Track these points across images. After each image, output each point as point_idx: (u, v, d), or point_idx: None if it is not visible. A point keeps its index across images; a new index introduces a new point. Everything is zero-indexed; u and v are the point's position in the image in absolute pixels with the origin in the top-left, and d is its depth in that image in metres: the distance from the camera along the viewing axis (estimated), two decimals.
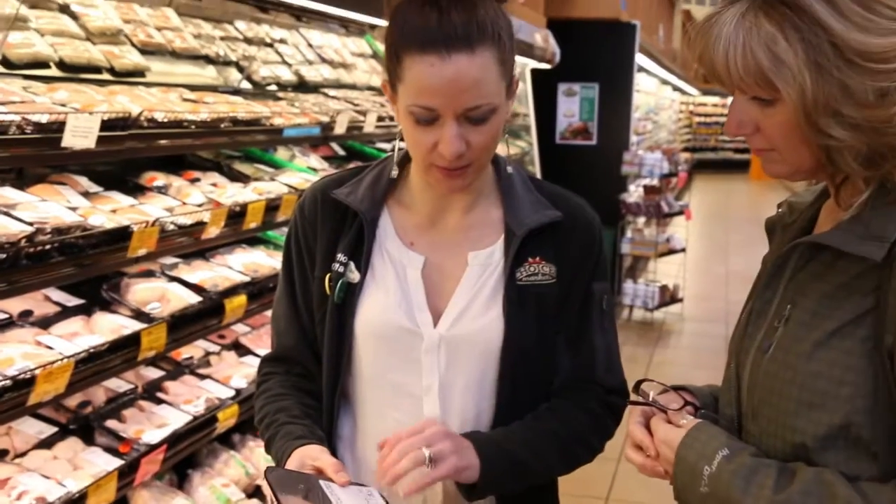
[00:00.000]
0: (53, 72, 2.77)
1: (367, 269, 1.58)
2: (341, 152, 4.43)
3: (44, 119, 2.22)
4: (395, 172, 1.61)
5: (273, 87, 3.98)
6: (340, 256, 1.59)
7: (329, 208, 1.62)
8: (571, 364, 1.61)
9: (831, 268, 1.23)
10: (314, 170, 3.75)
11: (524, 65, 7.15)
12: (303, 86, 4.20)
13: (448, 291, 1.57)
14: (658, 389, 1.43)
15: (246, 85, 3.79)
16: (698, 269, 10.63)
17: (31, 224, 2.17)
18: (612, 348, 1.65)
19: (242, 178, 3.37)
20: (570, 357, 1.61)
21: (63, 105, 2.41)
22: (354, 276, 1.57)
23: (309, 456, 1.48)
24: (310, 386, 1.67)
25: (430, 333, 1.55)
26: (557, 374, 1.62)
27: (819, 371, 1.19)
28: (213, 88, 3.51)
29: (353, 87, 4.63)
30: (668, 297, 8.44)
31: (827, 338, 1.20)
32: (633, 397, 1.43)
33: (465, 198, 1.59)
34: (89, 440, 2.49)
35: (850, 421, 1.17)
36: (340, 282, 1.57)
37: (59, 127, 2.25)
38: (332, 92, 4.32)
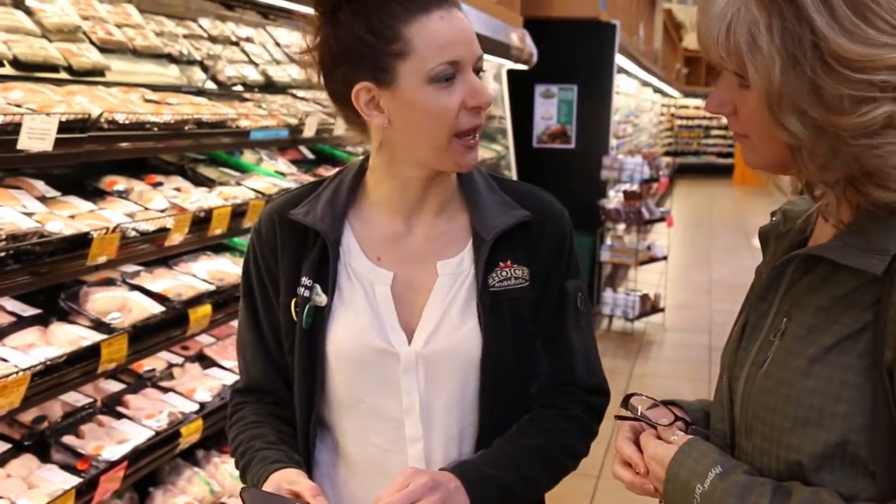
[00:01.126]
0: (7, 70, 2.76)
1: (334, 290, 1.57)
2: (310, 156, 4.44)
3: None
4: (342, 181, 1.63)
5: (239, 88, 3.98)
6: (305, 280, 1.57)
7: (288, 230, 1.60)
8: (551, 367, 1.62)
9: (828, 280, 1.23)
10: (282, 174, 3.76)
11: (500, 65, 7.17)
12: (270, 86, 4.20)
13: (419, 305, 1.57)
14: (647, 404, 1.42)
15: (210, 85, 3.79)
16: (680, 277, 10.69)
17: None
18: (590, 348, 1.66)
19: (207, 183, 3.37)
20: (549, 360, 1.62)
21: (18, 105, 2.41)
22: (321, 298, 1.56)
23: (286, 479, 1.48)
24: (284, 413, 1.66)
25: (407, 352, 1.55)
26: (537, 379, 1.62)
27: (815, 387, 1.19)
28: (176, 88, 3.51)
29: (322, 87, 4.62)
30: (649, 306, 8.48)
31: (824, 353, 1.19)
32: (621, 412, 1.42)
33: (436, 201, 1.60)
34: (45, 457, 2.48)
35: (847, 439, 1.17)
36: (308, 306, 1.56)
37: (14, 128, 2.25)
38: (300, 93, 4.33)
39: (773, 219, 1.48)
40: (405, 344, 1.55)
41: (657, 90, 20.16)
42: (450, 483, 1.46)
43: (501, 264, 1.56)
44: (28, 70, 2.82)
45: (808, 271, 1.27)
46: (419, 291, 1.58)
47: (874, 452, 1.17)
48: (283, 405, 1.66)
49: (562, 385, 1.62)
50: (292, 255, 1.60)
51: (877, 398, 1.16)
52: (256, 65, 4.20)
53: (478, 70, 1.49)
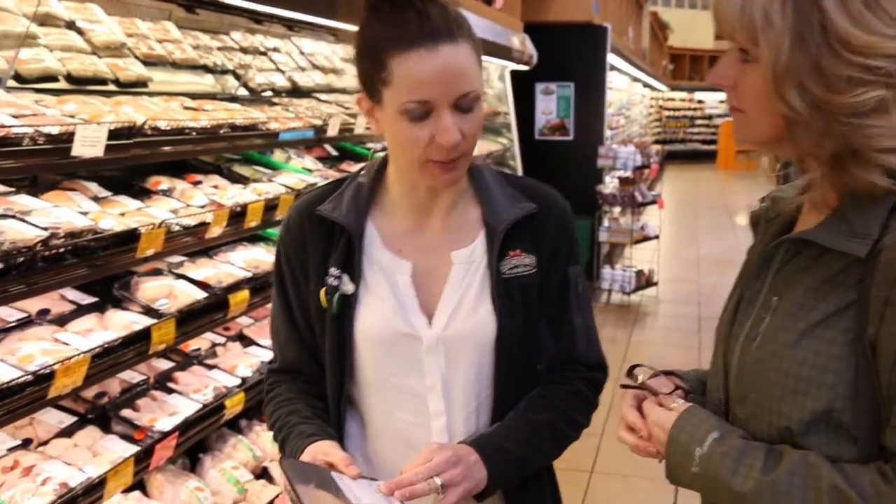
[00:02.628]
0: (62, 85, 2.77)
1: (360, 279, 1.57)
2: (334, 153, 4.44)
3: (55, 130, 2.22)
4: (363, 178, 1.61)
5: (268, 93, 3.98)
6: (333, 270, 1.57)
7: (315, 225, 1.60)
8: (555, 346, 1.62)
9: (816, 262, 1.23)
10: (309, 170, 3.76)
11: (503, 66, 7.16)
12: (296, 91, 4.20)
13: (437, 292, 1.57)
14: (649, 374, 1.43)
15: (243, 92, 3.80)
16: (671, 254, 10.66)
17: (45, 229, 2.17)
18: (589, 327, 1.67)
19: (242, 180, 3.38)
20: (553, 340, 1.62)
21: (72, 116, 2.42)
22: (349, 287, 1.56)
23: (321, 451, 1.48)
24: (315, 390, 1.67)
25: (429, 335, 1.55)
26: (543, 356, 1.62)
27: (804, 359, 1.19)
28: (211, 96, 3.52)
29: (343, 91, 4.63)
30: (644, 281, 8.47)
31: (811, 328, 1.20)
32: (625, 381, 1.43)
33: (447, 199, 1.59)
34: (106, 428, 2.51)
35: (833, 407, 1.17)
36: (336, 294, 1.56)
37: (69, 137, 2.26)
38: (323, 96, 4.33)
39: (763, 204, 1.47)
40: (426, 327, 1.55)
41: (646, 85, 20.03)
42: (470, 457, 1.46)
43: (511, 253, 1.56)
44: (80, 84, 2.83)
45: (797, 253, 1.27)
46: (436, 279, 1.58)
47: (857, 419, 1.17)
48: (314, 383, 1.67)
49: (565, 362, 1.63)
50: (320, 248, 1.60)
51: (859, 369, 1.17)
52: (283, 72, 4.20)
53: (463, 106, 1.42)
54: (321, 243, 1.60)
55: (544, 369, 1.63)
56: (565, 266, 1.62)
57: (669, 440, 1.29)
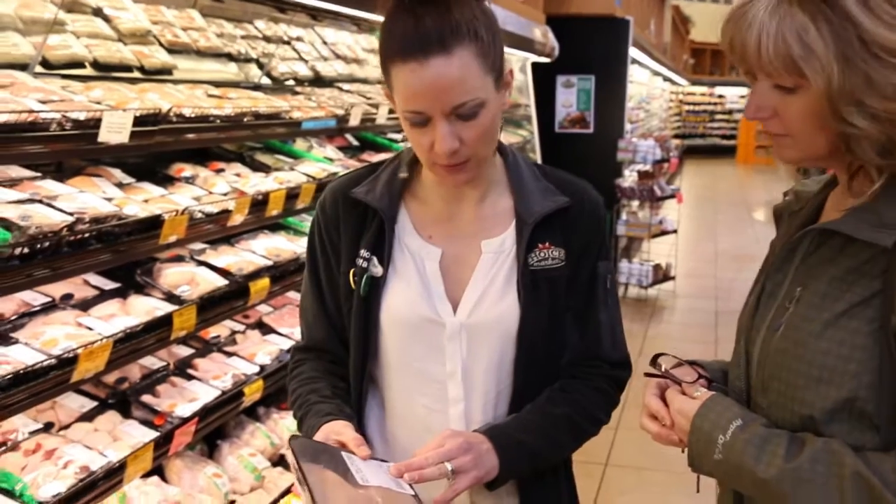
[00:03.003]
0: (89, 71, 2.78)
1: (388, 263, 1.58)
2: (355, 143, 4.44)
3: (81, 116, 2.23)
4: (403, 174, 1.61)
5: (291, 82, 3.99)
6: (363, 252, 1.58)
7: (349, 207, 1.61)
8: (580, 341, 1.61)
9: (841, 253, 1.23)
10: (330, 160, 3.76)
11: (525, 58, 7.14)
12: (318, 80, 4.20)
13: (464, 280, 1.57)
14: (672, 363, 1.43)
15: (266, 80, 3.80)
16: (689, 248, 10.63)
17: (71, 214, 2.18)
18: (615, 325, 1.65)
19: (264, 169, 3.38)
20: (579, 334, 1.61)
21: (98, 103, 2.43)
22: (378, 270, 1.57)
23: (333, 430, 1.49)
24: (339, 370, 1.68)
25: (452, 322, 1.55)
26: (567, 350, 1.62)
27: (828, 349, 1.20)
28: (235, 84, 3.52)
29: (365, 81, 4.63)
30: (661, 275, 8.44)
31: (836, 318, 1.20)
32: (649, 370, 1.43)
33: (476, 190, 1.59)
34: (127, 414, 2.52)
35: (856, 395, 1.18)
36: (365, 276, 1.57)
37: (95, 123, 2.27)
38: (345, 86, 4.33)
39: (787, 198, 1.47)
40: (451, 314, 1.56)
41: (667, 79, 19.93)
42: (482, 445, 1.47)
43: (541, 245, 1.56)
44: (106, 70, 2.84)
45: (822, 244, 1.27)
46: (464, 267, 1.58)
47: (879, 408, 1.18)
48: (339, 363, 1.68)
49: (589, 357, 1.62)
50: (352, 230, 1.61)
51: (883, 359, 1.17)
52: (306, 61, 4.20)
53: (462, 114, 1.41)
54: (354, 225, 1.61)
55: (567, 363, 1.63)
56: (595, 261, 1.61)
57: (692, 428, 1.30)
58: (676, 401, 1.35)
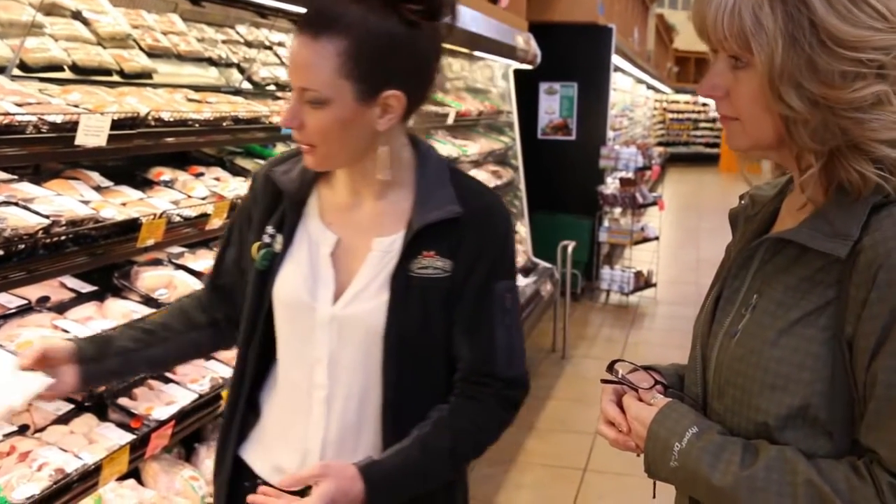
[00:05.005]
0: (67, 74, 2.78)
1: (289, 243, 1.63)
2: None
3: (58, 119, 2.23)
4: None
5: (272, 87, 3.99)
6: (269, 229, 1.65)
7: (270, 184, 1.67)
8: (471, 356, 1.60)
9: (796, 262, 1.24)
10: None
11: (507, 65, 7.16)
12: None
13: (354, 272, 1.60)
14: (628, 368, 1.43)
15: (247, 85, 3.80)
16: (670, 255, 10.68)
17: (47, 217, 2.19)
18: (514, 345, 1.63)
19: (244, 173, 3.39)
20: (468, 349, 1.60)
21: (76, 106, 2.43)
22: (278, 247, 1.63)
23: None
24: (193, 311, 1.82)
25: (324, 310, 1.59)
26: (459, 363, 1.62)
27: (782, 356, 1.21)
28: (215, 89, 3.53)
29: None
30: (643, 281, 8.50)
31: (790, 326, 1.22)
32: (605, 376, 1.43)
33: (377, 184, 1.59)
34: (103, 416, 2.51)
35: (809, 403, 1.19)
36: (264, 251, 1.64)
37: (72, 126, 2.27)
38: None
39: (742, 202, 1.49)
40: (328, 302, 1.59)
41: (650, 87, 20.03)
42: (353, 486, 1.47)
43: (425, 253, 1.55)
44: (85, 74, 2.84)
45: (777, 252, 1.28)
46: (355, 259, 1.60)
47: (833, 415, 1.19)
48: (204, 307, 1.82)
49: (482, 375, 1.60)
50: (267, 206, 1.67)
51: (836, 367, 1.18)
52: (287, 66, 4.21)
53: (311, 102, 1.45)
54: (269, 202, 1.67)
55: (459, 379, 1.62)
56: (488, 278, 1.59)
57: (649, 434, 1.30)
58: (633, 407, 1.36)
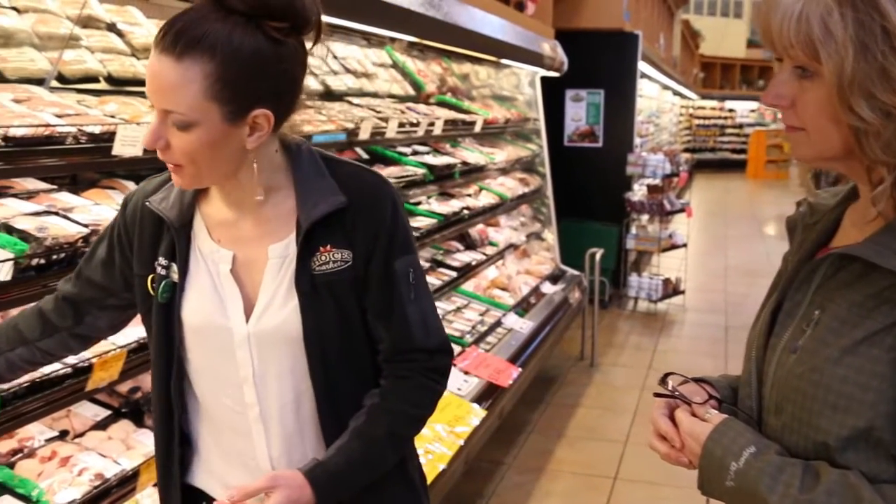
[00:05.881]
0: (103, 85, 2.83)
1: (185, 269, 1.59)
2: (365, 156, 4.49)
3: (96, 130, 2.28)
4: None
5: (302, 97, 4.02)
6: (161, 260, 1.60)
7: (147, 214, 1.62)
8: (388, 337, 1.61)
9: (862, 278, 1.20)
10: None
11: (534, 73, 7.18)
12: (328, 94, 4.25)
13: (258, 284, 1.57)
14: (679, 381, 1.41)
15: None
16: (698, 263, 10.64)
17: (86, 226, 2.23)
18: (427, 314, 1.63)
19: None
20: (385, 331, 1.60)
21: (113, 116, 2.47)
22: (175, 276, 1.59)
23: None
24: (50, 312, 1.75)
25: (240, 329, 1.56)
26: (380, 345, 1.62)
27: (846, 376, 1.17)
28: None
29: (374, 95, 4.68)
30: (671, 289, 8.46)
31: (855, 345, 1.17)
32: (658, 390, 1.40)
33: (253, 195, 1.54)
34: (139, 422, 2.56)
35: (873, 425, 1.15)
36: (163, 283, 1.59)
37: (109, 137, 2.31)
38: (355, 100, 4.37)
39: (801, 209, 1.44)
40: (242, 321, 1.56)
41: (676, 93, 19.99)
42: (295, 480, 1.50)
43: (322, 249, 1.54)
44: (120, 85, 2.89)
45: (841, 267, 1.24)
46: (256, 271, 1.57)
47: None
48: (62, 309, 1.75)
49: (404, 352, 1.62)
50: (150, 238, 1.62)
51: None
52: (316, 75, 4.25)
53: (174, 123, 1.38)
54: (151, 230, 1.62)
55: (382, 360, 1.63)
56: (387, 259, 1.57)
57: (704, 452, 1.27)
58: (686, 422, 1.32)
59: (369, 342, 1.62)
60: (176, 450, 1.68)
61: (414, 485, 1.76)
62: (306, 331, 1.54)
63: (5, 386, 1.99)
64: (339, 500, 1.57)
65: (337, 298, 1.55)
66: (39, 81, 2.55)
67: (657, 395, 1.40)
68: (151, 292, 1.61)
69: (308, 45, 1.48)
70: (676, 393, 1.37)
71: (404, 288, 1.59)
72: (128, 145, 2.36)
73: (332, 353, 1.57)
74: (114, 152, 2.33)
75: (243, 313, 1.57)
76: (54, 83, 2.61)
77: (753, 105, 28.96)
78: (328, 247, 1.54)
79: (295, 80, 1.49)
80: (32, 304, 1.80)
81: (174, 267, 1.59)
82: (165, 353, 1.64)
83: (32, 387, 2.01)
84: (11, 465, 2.20)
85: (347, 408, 1.61)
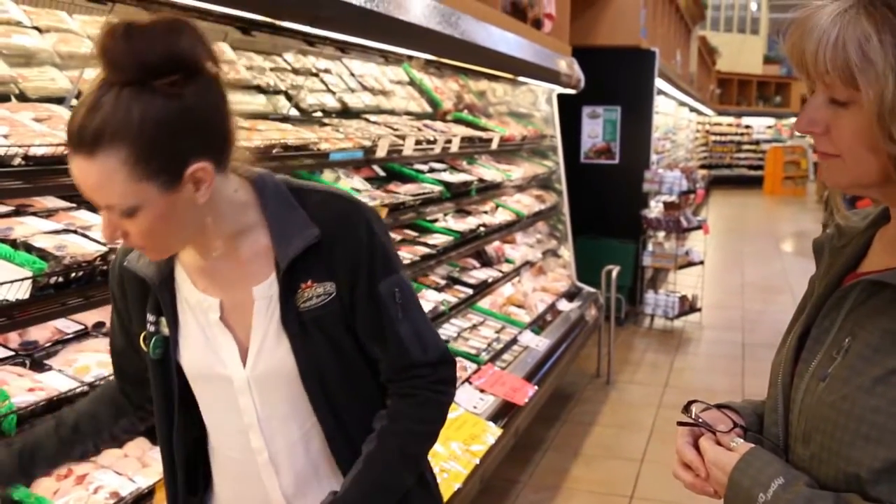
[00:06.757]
0: None
1: (175, 321, 1.56)
2: (382, 173, 4.50)
3: None
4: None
5: (319, 114, 4.05)
6: (150, 317, 1.58)
7: (130, 274, 1.59)
8: (385, 356, 1.59)
9: (894, 305, 1.16)
10: (358, 190, 3.82)
11: (551, 90, 7.19)
12: (346, 112, 4.27)
13: (249, 328, 1.54)
14: (702, 408, 1.37)
15: (294, 112, 3.87)
16: (715, 280, 10.59)
17: (104, 244, 2.24)
18: (419, 330, 1.60)
19: None
20: (381, 351, 1.58)
21: None
22: (165, 330, 1.57)
23: None
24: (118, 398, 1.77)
25: (239, 376, 1.54)
26: (380, 365, 1.60)
27: (878, 406, 1.13)
28: (264, 116, 3.59)
29: (391, 112, 4.69)
30: (688, 306, 8.43)
31: (888, 374, 1.13)
32: (682, 419, 1.37)
33: (225, 240, 1.51)
34: (155, 441, 2.55)
35: None
36: (154, 339, 1.58)
37: None
38: (372, 117, 4.39)
39: (828, 231, 1.40)
40: (239, 367, 1.54)
41: (693, 109, 19.96)
42: None
43: (303, 285, 1.50)
44: None
45: (873, 294, 1.20)
46: (245, 315, 1.53)
47: None
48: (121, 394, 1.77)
49: (403, 370, 1.59)
50: (137, 297, 1.61)
51: None
52: (334, 93, 4.27)
53: (120, 214, 1.33)
54: (136, 291, 1.60)
55: (386, 381, 1.62)
56: (370, 284, 1.53)
57: (730, 483, 1.24)
58: (711, 452, 1.29)
59: (369, 364, 1.60)
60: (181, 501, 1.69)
61: (427, 482, 1.75)
62: (302, 369, 1.52)
63: (21, 404, 2.00)
64: None
65: (327, 332, 1.52)
66: (60, 100, 2.57)
67: (681, 423, 1.37)
68: (145, 349, 1.60)
69: (216, 70, 1.38)
70: (700, 421, 1.34)
71: (392, 310, 1.55)
72: None
73: (332, 385, 1.55)
74: None
75: (239, 359, 1.54)
76: (74, 102, 2.63)
77: (770, 121, 28.89)
78: (309, 282, 1.50)
79: (215, 120, 1.39)
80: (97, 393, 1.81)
81: (163, 321, 1.56)
82: (165, 408, 1.63)
83: (49, 405, 2.02)
84: (28, 484, 2.20)
85: (358, 433, 1.59)
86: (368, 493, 1.55)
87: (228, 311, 1.54)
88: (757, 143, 28.41)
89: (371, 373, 1.61)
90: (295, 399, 1.55)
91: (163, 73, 1.28)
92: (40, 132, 2.20)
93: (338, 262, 1.51)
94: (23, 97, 2.48)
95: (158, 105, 1.29)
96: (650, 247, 8.73)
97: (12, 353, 2.30)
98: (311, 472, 1.61)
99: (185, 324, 1.56)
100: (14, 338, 2.39)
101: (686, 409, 1.38)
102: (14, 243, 2.11)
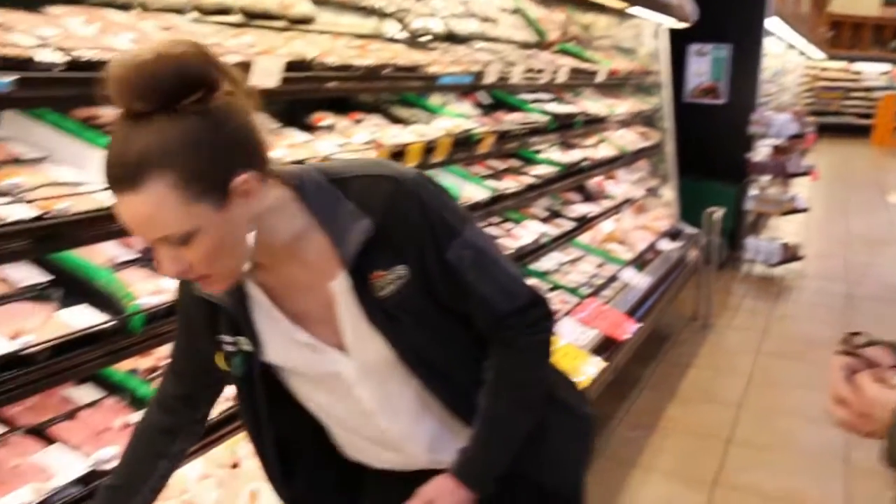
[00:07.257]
0: (235, 18, 2.87)
1: (255, 337, 1.54)
2: (486, 101, 4.45)
3: (236, 59, 2.30)
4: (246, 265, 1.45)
5: (425, 38, 4.01)
6: (226, 338, 1.55)
7: (200, 298, 1.55)
8: (475, 313, 1.56)
9: None
10: (466, 116, 3.78)
11: (658, 24, 7.00)
12: (452, 37, 4.22)
13: (333, 329, 1.52)
14: (863, 341, 1.30)
15: (401, 35, 3.84)
16: (818, 228, 10.29)
17: None
18: (501, 282, 1.56)
19: (401, 121, 3.42)
20: (473, 313, 1.56)
21: (250, 48, 2.50)
22: (247, 346, 1.55)
23: None
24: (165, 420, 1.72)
25: (346, 369, 1.55)
26: (473, 321, 1.58)
27: None
28: (372, 37, 3.57)
29: (497, 40, 4.63)
30: (791, 254, 8.20)
31: None
32: (840, 347, 1.30)
33: (285, 249, 1.47)
34: None
35: None
36: (235, 357, 1.56)
37: (247, 67, 2.33)
38: (478, 44, 4.33)
39: None
40: (342, 363, 1.55)
41: (801, 52, 19.26)
42: (445, 485, 1.58)
43: (375, 275, 1.47)
44: (251, 18, 2.92)
45: None
46: (330, 312, 1.51)
47: None
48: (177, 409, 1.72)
49: (496, 322, 1.56)
50: (205, 315, 1.57)
51: None
52: (441, 18, 4.22)
53: (176, 243, 1.29)
54: (206, 311, 1.57)
55: (486, 335, 1.60)
56: (438, 255, 1.49)
57: (895, 422, 1.18)
58: (871, 389, 1.23)
59: (461, 321, 1.58)
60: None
61: (569, 407, 1.77)
62: (401, 355, 1.53)
63: (146, 305, 2.05)
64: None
65: (413, 313, 1.51)
66: (179, 11, 2.60)
67: (839, 352, 1.30)
68: (225, 367, 1.59)
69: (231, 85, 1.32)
70: (862, 353, 1.27)
71: (468, 274, 1.51)
72: (265, 76, 2.39)
73: (434, 357, 1.56)
74: (252, 83, 2.35)
75: (339, 355, 1.54)
76: (193, 14, 2.65)
77: (885, 67, 27.64)
78: (379, 272, 1.47)
79: (247, 131, 1.33)
80: (137, 438, 1.74)
81: (242, 340, 1.55)
82: (251, 420, 1.65)
83: (171, 309, 2.06)
84: (150, 383, 2.27)
85: (474, 386, 1.61)
86: (491, 447, 1.61)
87: (304, 320, 1.54)
88: (868, 90, 27.26)
89: (466, 327, 1.60)
90: (404, 377, 1.57)
91: (185, 94, 1.24)
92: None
93: (400, 244, 1.47)
94: (145, 8, 2.50)
95: (190, 124, 1.25)
96: (754, 191, 8.50)
97: (138, 255, 2.36)
98: (446, 431, 1.65)
99: (271, 337, 1.55)
100: (139, 241, 2.44)
101: (845, 341, 1.31)
102: None
